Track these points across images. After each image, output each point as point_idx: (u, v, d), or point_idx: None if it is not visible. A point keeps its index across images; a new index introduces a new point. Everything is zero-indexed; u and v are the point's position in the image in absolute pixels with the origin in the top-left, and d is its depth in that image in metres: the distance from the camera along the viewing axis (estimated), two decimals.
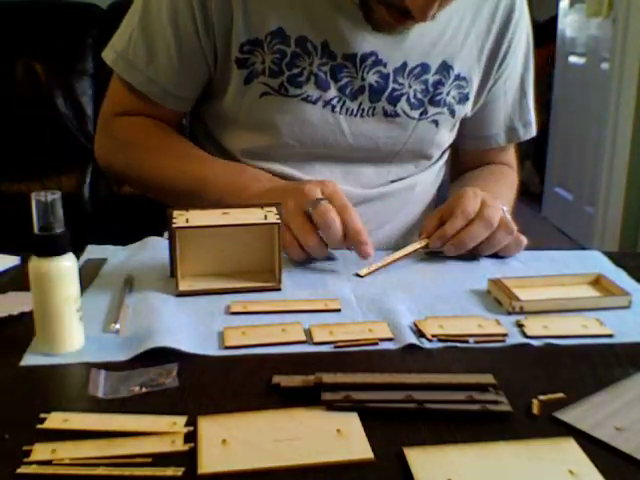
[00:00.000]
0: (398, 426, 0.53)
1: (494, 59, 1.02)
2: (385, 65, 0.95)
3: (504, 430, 0.53)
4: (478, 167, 1.15)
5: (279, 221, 0.76)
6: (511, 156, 1.17)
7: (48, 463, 0.48)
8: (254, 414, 0.54)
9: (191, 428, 0.52)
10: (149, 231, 0.96)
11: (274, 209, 0.79)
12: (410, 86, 0.97)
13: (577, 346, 0.67)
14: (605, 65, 3.21)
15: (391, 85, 0.96)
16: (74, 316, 0.64)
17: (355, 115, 0.97)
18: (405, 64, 0.96)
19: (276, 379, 0.58)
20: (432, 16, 0.83)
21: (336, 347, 0.66)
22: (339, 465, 0.49)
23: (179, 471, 0.47)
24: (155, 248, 0.89)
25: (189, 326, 0.69)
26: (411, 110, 0.99)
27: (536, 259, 0.89)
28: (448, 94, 1.00)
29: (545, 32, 4.00)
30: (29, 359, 0.63)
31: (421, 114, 0.99)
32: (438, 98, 0.99)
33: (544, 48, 3.98)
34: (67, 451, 0.49)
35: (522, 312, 0.73)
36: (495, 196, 0.91)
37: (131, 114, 1.01)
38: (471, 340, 0.67)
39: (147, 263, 0.85)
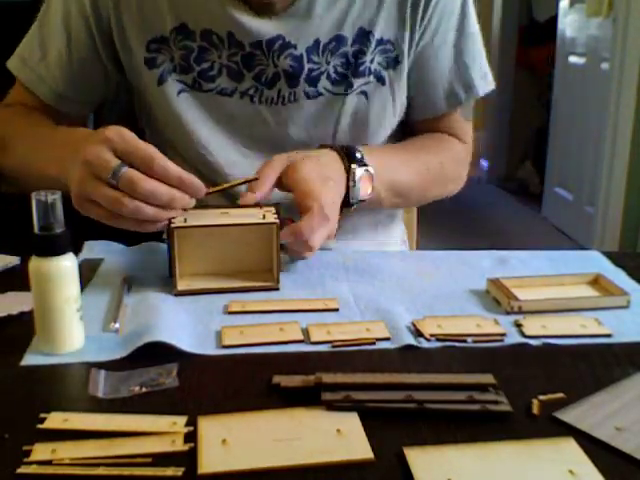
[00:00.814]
0: (398, 426, 0.53)
1: (415, 13, 0.95)
2: (295, 47, 0.91)
3: (504, 430, 0.53)
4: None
5: (277, 221, 0.76)
6: (460, 128, 1.06)
7: (48, 463, 0.48)
8: (254, 414, 0.54)
9: (191, 428, 0.52)
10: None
11: (272, 209, 0.79)
12: (328, 62, 0.93)
13: (577, 346, 0.67)
14: (605, 65, 3.21)
15: (307, 66, 0.92)
16: (74, 316, 0.64)
17: (276, 103, 0.94)
18: (317, 41, 0.92)
19: (276, 379, 0.58)
20: None
21: (333, 346, 0.66)
22: (339, 465, 0.49)
23: (179, 471, 0.47)
24: (153, 250, 0.89)
25: (187, 325, 0.69)
26: (333, 86, 0.94)
27: (535, 259, 0.89)
28: (372, 62, 0.94)
29: (545, 32, 4.01)
30: (29, 359, 0.63)
31: (346, 89, 0.94)
32: (362, 68, 0.94)
33: (544, 48, 3.99)
34: (67, 451, 0.49)
35: (520, 312, 0.73)
36: (384, 176, 0.89)
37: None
38: (469, 340, 0.67)
39: (145, 263, 0.85)
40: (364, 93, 0.96)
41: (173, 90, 0.93)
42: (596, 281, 0.80)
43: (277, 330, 0.68)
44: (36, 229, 0.62)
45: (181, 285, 0.76)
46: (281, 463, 0.48)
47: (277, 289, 0.78)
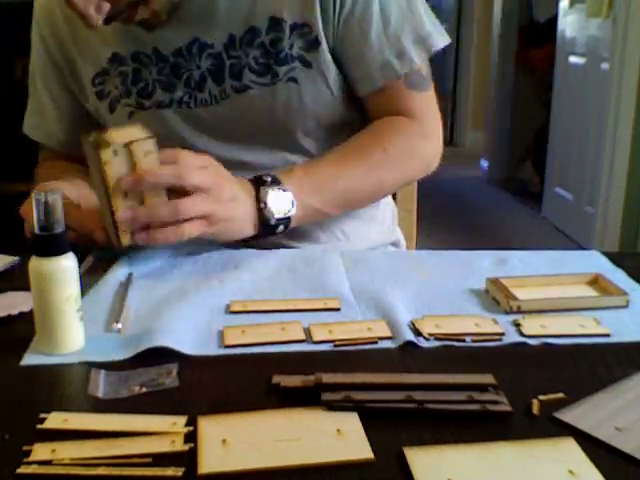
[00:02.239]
0: (398, 426, 0.53)
1: None
2: (212, 46, 0.94)
3: (504, 430, 0.53)
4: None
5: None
6: (409, 102, 1.00)
7: (48, 463, 0.48)
8: (254, 414, 0.54)
9: (191, 428, 0.52)
10: None
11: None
12: (247, 55, 0.94)
13: (576, 346, 0.67)
14: (605, 65, 3.21)
15: (227, 62, 0.95)
16: (74, 316, 0.64)
17: (210, 103, 0.97)
18: (232, 36, 0.94)
19: (276, 379, 0.58)
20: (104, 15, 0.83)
21: (335, 346, 0.66)
22: (339, 465, 0.49)
23: (179, 471, 0.47)
24: (157, 249, 0.88)
25: (189, 326, 0.69)
26: (259, 77, 0.95)
27: (535, 259, 0.89)
28: (292, 47, 0.94)
29: (545, 32, 4.01)
30: (29, 359, 0.63)
31: (272, 78, 0.95)
32: (282, 55, 0.94)
33: (544, 48, 3.99)
34: (67, 451, 0.49)
35: (519, 311, 0.73)
36: (314, 189, 0.89)
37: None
38: (468, 339, 0.67)
39: (149, 264, 0.85)
40: (293, 79, 0.95)
41: (124, 113, 1.00)
42: (595, 281, 0.80)
43: (279, 330, 0.68)
44: (36, 229, 0.62)
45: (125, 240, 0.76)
46: (281, 463, 0.48)
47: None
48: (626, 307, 0.75)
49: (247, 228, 0.84)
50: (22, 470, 0.48)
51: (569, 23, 3.63)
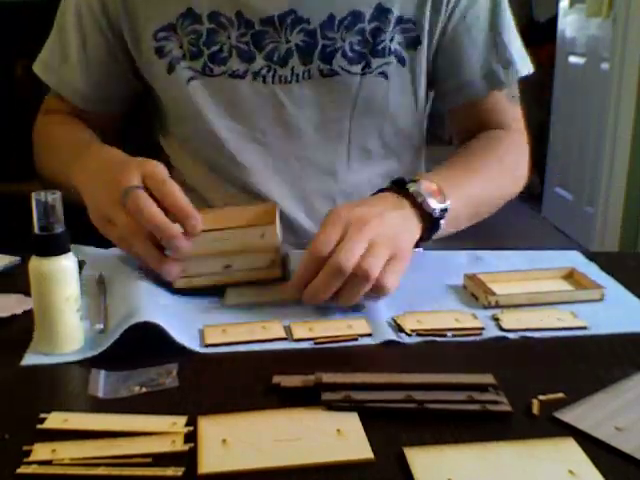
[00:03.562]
0: (398, 426, 0.53)
1: None
2: (308, 22, 0.88)
3: (504, 430, 0.53)
4: (475, 136, 0.98)
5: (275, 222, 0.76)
6: (509, 115, 0.99)
7: (48, 463, 0.48)
8: (254, 414, 0.54)
9: (191, 428, 0.52)
10: None
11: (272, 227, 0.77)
12: (343, 39, 0.89)
13: (555, 339, 0.68)
14: (605, 65, 3.21)
15: (320, 42, 0.89)
16: (74, 316, 0.64)
17: (290, 82, 0.90)
18: (332, 16, 0.88)
19: (276, 379, 0.58)
20: None
21: (316, 343, 0.66)
22: (339, 465, 0.49)
23: (179, 471, 0.47)
24: None
25: (169, 324, 0.68)
26: (350, 65, 0.90)
27: (511, 255, 0.90)
28: (392, 40, 0.90)
29: (545, 32, 4.00)
30: (29, 359, 0.63)
31: (364, 68, 0.90)
32: (381, 47, 0.90)
33: (544, 48, 3.98)
34: (67, 451, 0.49)
35: (498, 306, 0.74)
36: (454, 189, 0.79)
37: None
38: (449, 334, 0.68)
39: (124, 262, 0.83)
40: (383, 74, 0.91)
41: (183, 78, 0.92)
42: (570, 275, 0.82)
43: (260, 328, 0.69)
44: (36, 229, 0.62)
45: (180, 283, 0.75)
46: (281, 463, 0.48)
47: (283, 278, 0.76)
48: (601, 301, 0.76)
49: (415, 233, 0.76)
50: (22, 470, 0.47)
51: (569, 23, 3.63)
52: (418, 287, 0.79)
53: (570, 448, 0.50)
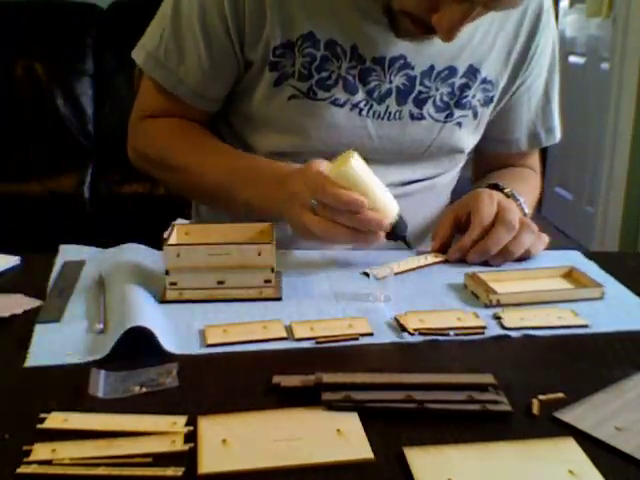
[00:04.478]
0: (398, 426, 0.53)
1: (521, 63, 1.02)
2: (413, 68, 0.96)
3: (504, 430, 0.53)
4: (500, 169, 1.14)
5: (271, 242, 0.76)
6: (535, 161, 1.17)
7: (48, 463, 0.48)
8: (254, 414, 0.54)
9: (191, 428, 0.52)
10: (149, 231, 0.96)
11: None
12: (437, 89, 0.98)
13: (557, 337, 0.68)
14: (605, 65, 3.21)
15: (418, 88, 0.97)
16: None
17: (382, 118, 0.98)
18: (432, 67, 0.96)
19: (276, 379, 0.58)
20: (455, 36, 0.83)
21: (317, 343, 0.67)
22: (339, 465, 0.49)
23: (179, 471, 0.47)
24: (133, 250, 0.88)
25: (169, 324, 0.69)
26: (437, 113, 0.99)
27: None
28: (474, 97, 1.01)
29: None
30: (30, 360, 0.63)
31: (446, 117, 1.00)
32: (464, 101, 1.00)
33: None
34: (67, 451, 0.49)
35: (499, 305, 0.75)
36: (519, 193, 0.94)
37: (159, 116, 1.02)
38: (451, 333, 0.68)
39: (125, 264, 0.83)
40: (459, 124, 1.01)
41: (285, 93, 0.95)
42: (570, 274, 0.83)
43: (260, 328, 0.69)
44: None
45: (170, 295, 0.75)
46: (281, 463, 0.48)
47: (279, 299, 0.76)
48: (601, 299, 0.77)
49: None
50: (22, 470, 0.48)
51: (569, 23, 3.63)
52: (420, 286, 0.81)
53: (570, 448, 0.50)
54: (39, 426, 0.52)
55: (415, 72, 0.96)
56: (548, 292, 0.77)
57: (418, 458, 0.49)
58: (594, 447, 0.51)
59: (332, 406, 0.54)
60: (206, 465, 0.48)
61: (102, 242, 0.93)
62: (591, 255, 0.91)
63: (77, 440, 0.51)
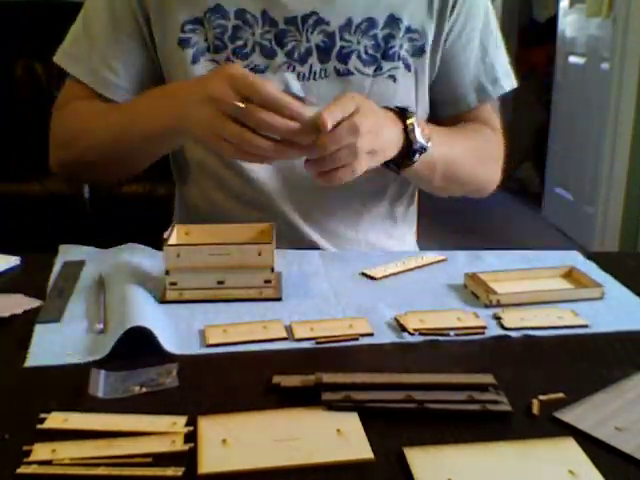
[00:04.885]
0: (398, 426, 0.53)
1: (444, 8, 0.98)
2: (328, 23, 0.94)
3: (504, 430, 0.53)
4: None
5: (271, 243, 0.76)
6: (491, 118, 1.09)
7: (48, 463, 0.48)
8: (254, 414, 0.54)
9: (191, 428, 0.52)
10: (149, 231, 0.96)
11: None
12: (359, 42, 0.95)
13: (557, 337, 0.68)
14: (605, 65, 3.21)
15: (338, 43, 0.95)
16: None
17: (308, 79, 0.96)
18: (350, 20, 0.94)
19: (276, 379, 0.58)
20: None
21: (317, 343, 0.67)
22: (339, 465, 0.49)
23: (179, 471, 0.47)
24: (132, 251, 0.88)
25: (170, 324, 0.69)
26: (364, 67, 0.96)
27: (510, 255, 0.90)
28: (401, 47, 0.97)
29: (545, 32, 4.01)
30: (30, 360, 0.63)
31: (375, 70, 0.97)
32: (391, 52, 0.97)
33: (544, 48, 3.99)
34: (67, 451, 0.49)
35: (499, 305, 0.74)
36: (440, 140, 0.91)
37: None
38: (452, 333, 0.68)
39: (126, 264, 0.84)
40: (392, 77, 0.98)
41: (205, 70, 0.94)
42: (569, 274, 0.82)
43: (260, 328, 0.69)
44: None
45: (170, 295, 0.75)
46: (281, 463, 0.48)
47: (279, 299, 0.76)
48: (601, 299, 0.77)
49: (394, 151, 0.85)
50: (22, 470, 0.48)
51: (569, 23, 3.63)
52: (419, 286, 0.80)
53: (570, 448, 0.50)
54: (39, 426, 0.52)
55: (332, 27, 0.94)
56: (548, 292, 0.77)
57: (418, 458, 0.49)
58: (594, 447, 0.51)
59: (332, 406, 0.54)
60: (206, 465, 0.48)
61: (102, 242, 0.93)
62: (590, 255, 0.91)
63: (77, 440, 0.51)
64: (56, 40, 1.02)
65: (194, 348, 0.66)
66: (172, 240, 0.78)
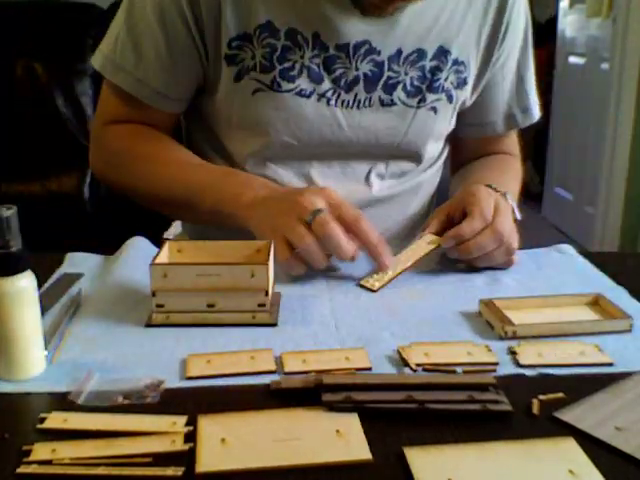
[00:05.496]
0: (398, 426, 0.53)
1: (492, 42, 0.99)
2: (379, 53, 0.93)
3: (504, 430, 0.53)
4: (479, 157, 1.12)
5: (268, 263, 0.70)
6: (513, 144, 1.15)
7: (48, 463, 0.48)
8: (254, 414, 0.54)
9: (191, 428, 0.52)
10: (149, 231, 0.96)
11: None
12: (406, 73, 0.95)
13: (577, 377, 0.62)
14: (605, 65, 3.21)
15: (386, 73, 0.94)
16: (32, 340, 0.59)
17: (351, 107, 0.95)
18: (400, 51, 0.94)
19: (277, 380, 0.58)
20: None
21: None
22: (338, 465, 0.48)
23: (179, 471, 0.47)
24: (135, 261, 0.84)
25: (150, 354, 0.64)
26: (408, 98, 0.96)
27: (532, 278, 0.83)
28: (446, 80, 0.98)
29: (545, 32, 4.00)
30: None
31: (419, 102, 0.97)
32: (436, 84, 0.97)
33: (544, 48, 3.99)
34: (67, 451, 0.49)
35: (515, 337, 0.68)
36: (504, 188, 0.91)
37: (121, 121, 0.99)
38: (459, 369, 0.62)
39: (119, 277, 0.80)
40: (434, 109, 0.99)
41: (249, 88, 0.93)
42: (596, 302, 0.75)
43: (248, 359, 0.62)
44: None
45: (157, 318, 0.70)
46: (280, 463, 0.48)
47: (274, 324, 0.71)
48: (630, 332, 0.70)
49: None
50: (22, 470, 0.47)
51: (569, 23, 3.63)
52: (429, 313, 0.74)
53: (570, 448, 0.50)
54: (39, 426, 0.52)
55: (382, 57, 0.93)
56: (569, 324, 0.69)
57: (418, 458, 0.49)
58: (594, 447, 0.50)
59: (332, 407, 0.54)
60: (204, 464, 0.48)
61: (102, 242, 0.92)
62: (587, 253, 0.91)
63: (77, 440, 0.50)
64: (56, 40, 1.01)
65: (173, 381, 0.59)
66: (162, 258, 0.72)
